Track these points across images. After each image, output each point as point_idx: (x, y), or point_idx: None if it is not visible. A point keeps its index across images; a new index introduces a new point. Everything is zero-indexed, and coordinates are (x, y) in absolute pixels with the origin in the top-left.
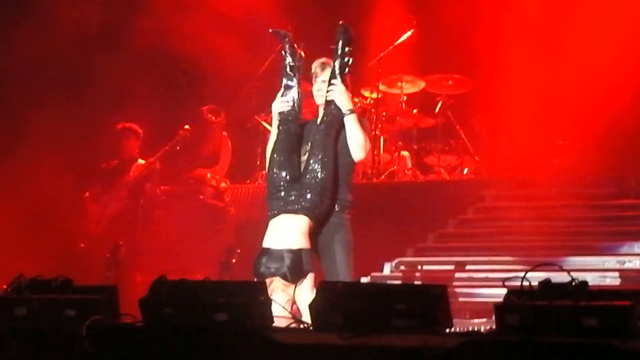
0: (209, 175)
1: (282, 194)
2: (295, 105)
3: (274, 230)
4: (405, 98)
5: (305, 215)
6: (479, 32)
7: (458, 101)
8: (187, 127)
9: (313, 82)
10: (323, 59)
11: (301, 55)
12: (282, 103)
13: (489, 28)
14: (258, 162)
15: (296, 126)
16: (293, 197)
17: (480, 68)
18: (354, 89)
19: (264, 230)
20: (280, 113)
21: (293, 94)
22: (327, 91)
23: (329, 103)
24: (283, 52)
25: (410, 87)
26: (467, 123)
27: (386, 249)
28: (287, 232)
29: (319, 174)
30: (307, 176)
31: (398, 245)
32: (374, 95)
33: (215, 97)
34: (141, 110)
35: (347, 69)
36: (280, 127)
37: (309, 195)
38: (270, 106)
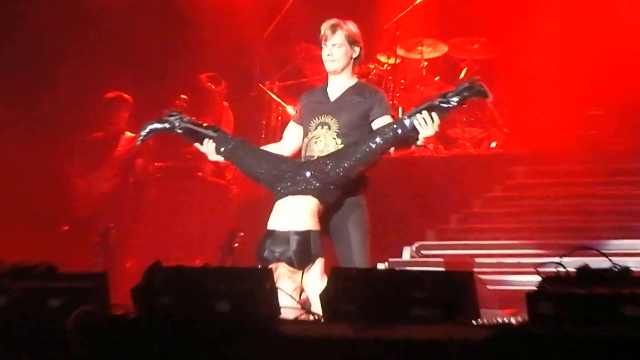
0: None
1: (290, 174)
2: (218, 132)
3: (280, 211)
4: (426, 64)
5: (315, 196)
6: None
7: (485, 67)
8: (183, 96)
9: (322, 45)
10: (333, 20)
11: (194, 122)
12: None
13: None
14: (263, 135)
15: (240, 144)
16: (302, 177)
17: (509, 30)
18: (368, 53)
19: (270, 211)
20: (221, 153)
21: (209, 134)
22: (419, 113)
23: (402, 124)
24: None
25: (431, 51)
26: (494, 91)
27: (405, 232)
28: (294, 212)
29: (340, 164)
30: (321, 159)
31: (418, 228)
32: (391, 61)
33: (215, 63)
34: (131, 78)
35: (446, 113)
36: (237, 153)
37: (321, 176)
38: (276, 76)
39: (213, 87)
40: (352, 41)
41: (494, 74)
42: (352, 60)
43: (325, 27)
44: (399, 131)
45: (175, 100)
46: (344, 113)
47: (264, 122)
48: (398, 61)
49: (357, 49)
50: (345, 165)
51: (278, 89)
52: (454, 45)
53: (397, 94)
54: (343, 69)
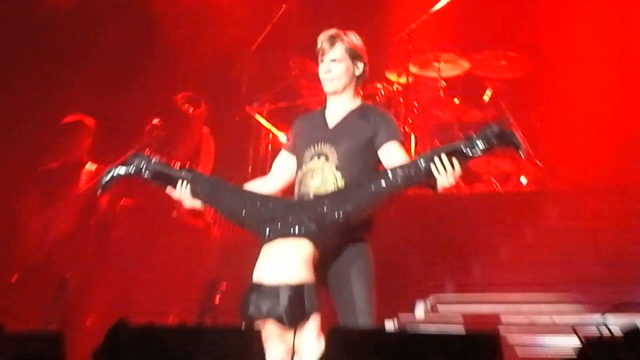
0: None
1: (280, 214)
2: (193, 173)
3: (268, 259)
4: (443, 83)
5: (310, 241)
6: None
7: (513, 88)
8: (155, 121)
9: (319, 60)
10: (332, 31)
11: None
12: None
13: None
14: (250, 168)
15: (220, 185)
16: (295, 218)
17: (543, 43)
18: (375, 70)
19: (256, 259)
20: (198, 197)
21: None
22: (437, 156)
23: (416, 167)
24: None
25: (450, 68)
26: (525, 116)
27: (418, 283)
28: (285, 260)
29: (340, 207)
30: (319, 198)
31: (434, 278)
32: (403, 80)
33: (194, 81)
34: (94, 98)
35: (469, 160)
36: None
37: (318, 218)
38: (266, 96)
39: (191, 109)
40: (354, 55)
41: (524, 97)
42: (355, 78)
43: (322, 39)
44: (412, 176)
45: (146, 126)
46: (345, 141)
47: (251, 153)
48: (410, 80)
49: (360, 65)
50: (347, 209)
51: (268, 112)
52: (477, 61)
53: (409, 119)
54: (344, 89)
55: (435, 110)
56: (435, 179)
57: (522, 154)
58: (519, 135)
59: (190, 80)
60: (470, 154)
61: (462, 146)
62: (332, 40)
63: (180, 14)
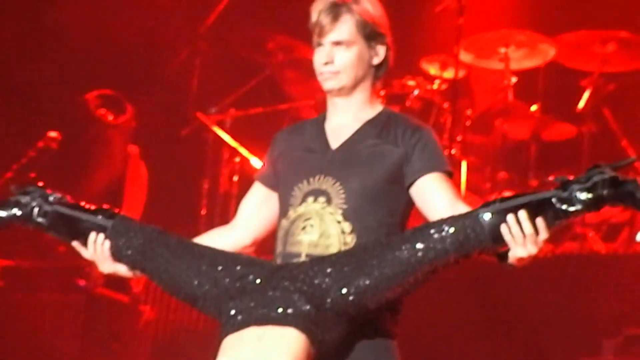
0: None
1: (254, 286)
2: (115, 218)
3: (235, 357)
4: (514, 80)
5: (301, 330)
6: None
7: (625, 87)
8: (53, 134)
9: (315, 43)
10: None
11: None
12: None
13: None
14: (203, 212)
15: (157, 237)
16: (277, 292)
17: None
18: (405, 59)
19: (213, 355)
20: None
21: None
22: (511, 213)
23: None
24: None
25: (525, 56)
26: None
27: None
28: None
29: (349, 282)
30: (315, 263)
31: None
32: (449, 74)
33: (115, 73)
34: None
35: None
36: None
37: (314, 293)
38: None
39: (110, 117)
40: (370, 34)
41: None
42: (372, 70)
43: (319, 10)
44: (470, 238)
45: (39, 142)
46: (357, 172)
47: (205, 186)
48: (462, 74)
49: (381, 50)
50: (361, 284)
51: (233, 122)
52: (569, 45)
53: (459, 137)
54: (355, 88)
55: (501, 122)
56: (506, 245)
57: None
58: None
59: (111, 71)
60: (566, 213)
61: (553, 199)
62: (335, 10)
63: None
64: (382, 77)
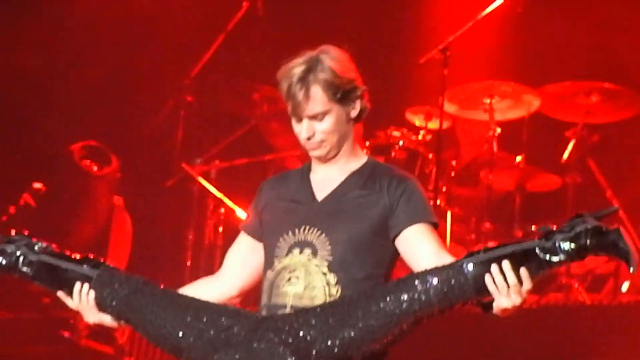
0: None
1: (239, 338)
2: (100, 268)
3: None
4: (498, 131)
5: None
6: None
7: (610, 137)
8: (38, 185)
9: (290, 113)
10: (299, 66)
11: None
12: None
13: None
14: (188, 263)
15: (142, 288)
16: (262, 344)
17: None
18: (391, 108)
19: None
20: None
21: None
22: (495, 263)
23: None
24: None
25: (509, 107)
26: (633, 186)
27: None
28: None
29: (334, 333)
30: (300, 315)
31: None
32: (433, 125)
33: (101, 126)
34: None
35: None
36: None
37: (298, 346)
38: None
39: (95, 167)
40: (342, 94)
41: (626, 151)
42: (352, 122)
43: (287, 84)
44: (454, 289)
45: (24, 193)
46: (343, 223)
47: (190, 237)
48: (446, 125)
49: (356, 102)
50: (346, 336)
51: (218, 172)
52: (553, 96)
53: (444, 188)
54: (340, 147)
55: (486, 173)
56: (490, 295)
57: (631, 268)
58: (627, 235)
59: (95, 123)
60: (549, 263)
61: (536, 249)
62: (304, 83)
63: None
64: (360, 120)
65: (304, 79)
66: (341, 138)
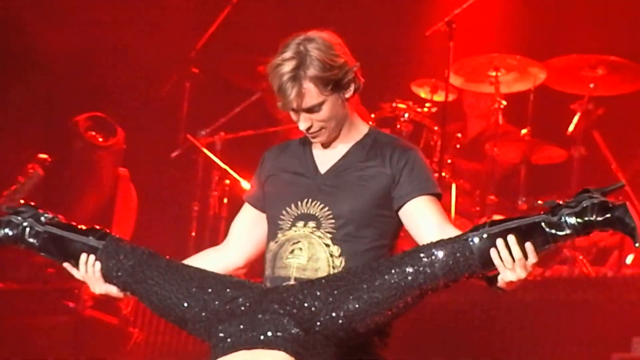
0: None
1: (243, 309)
2: (107, 239)
3: None
4: (504, 103)
5: (290, 352)
6: None
7: (615, 110)
8: (43, 156)
9: (285, 109)
10: (286, 65)
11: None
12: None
13: None
14: (193, 233)
15: (147, 259)
16: (267, 315)
17: None
18: (397, 81)
19: None
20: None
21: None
22: (500, 237)
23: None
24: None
25: (515, 80)
26: (635, 157)
27: None
28: None
29: (338, 305)
30: (305, 286)
31: None
32: (439, 98)
33: (106, 95)
34: None
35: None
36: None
37: (303, 317)
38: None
39: (100, 138)
40: (334, 84)
41: (631, 125)
42: (348, 102)
43: (278, 84)
44: (459, 262)
45: (28, 165)
46: (346, 196)
47: (196, 208)
48: (452, 98)
49: (350, 85)
50: (350, 307)
51: (223, 144)
52: (559, 69)
53: (449, 160)
54: (341, 127)
55: (492, 146)
56: (495, 269)
57: (637, 243)
58: (633, 210)
59: (101, 94)
60: (555, 237)
61: (542, 223)
62: (295, 81)
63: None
64: (356, 93)
65: (294, 77)
66: (340, 121)
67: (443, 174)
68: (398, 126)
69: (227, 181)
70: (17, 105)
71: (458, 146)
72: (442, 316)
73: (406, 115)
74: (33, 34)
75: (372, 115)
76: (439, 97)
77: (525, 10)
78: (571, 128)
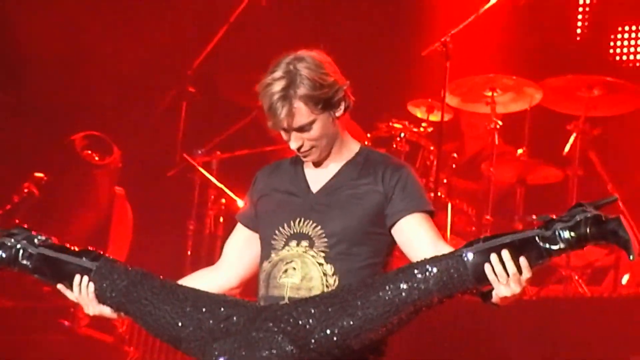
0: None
1: (238, 327)
2: (100, 260)
3: None
4: (500, 123)
5: None
6: None
7: (611, 131)
8: (39, 175)
9: (275, 128)
10: (276, 85)
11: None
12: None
13: None
14: (189, 253)
15: (141, 280)
16: (261, 333)
17: None
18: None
19: None
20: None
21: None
22: (494, 252)
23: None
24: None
25: (511, 100)
26: (630, 178)
27: None
28: None
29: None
30: (299, 304)
31: None
32: (435, 118)
33: (103, 116)
34: None
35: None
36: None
37: (297, 334)
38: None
39: (96, 157)
40: (324, 102)
41: (631, 146)
42: (338, 121)
43: (268, 104)
44: (453, 278)
45: (24, 184)
46: (339, 215)
47: (191, 227)
48: (448, 117)
49: (340, 103)
50: (344, 325)
51: (219, 163)
52: (555, 89)
53: (444, 180)
54: (332, 146)
55: (487, 165)
56: (489, 284)
57: (631, 255)
58: (627, 224)
59: (97, 114)
60: (549, 251)
61: (536, 238)
62: (286, 101)
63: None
64: (346, 112)
65: (284, 97)
66: (330, 139)
67: (439, 193)
68: (394, 146)
69: (223, 200)
70: (13, 123)
71: (454, 166)
72: (431, 333)
73: (402, 135)
74: (29, 52)
75: (368, 135)
76: (435, 117)
77: (522, 30)
78: (567, 148)
